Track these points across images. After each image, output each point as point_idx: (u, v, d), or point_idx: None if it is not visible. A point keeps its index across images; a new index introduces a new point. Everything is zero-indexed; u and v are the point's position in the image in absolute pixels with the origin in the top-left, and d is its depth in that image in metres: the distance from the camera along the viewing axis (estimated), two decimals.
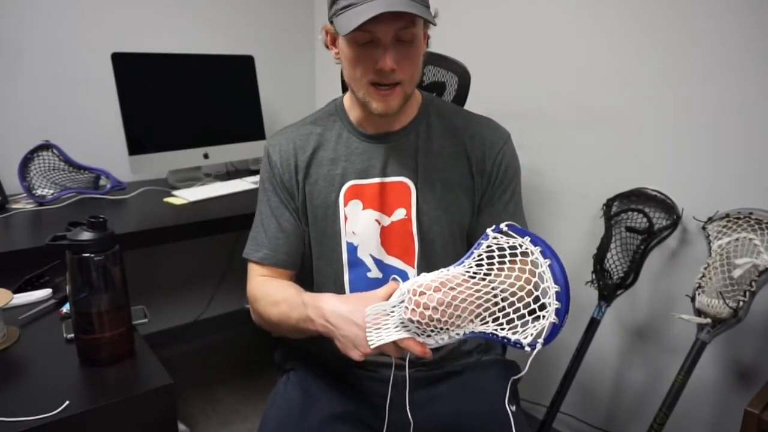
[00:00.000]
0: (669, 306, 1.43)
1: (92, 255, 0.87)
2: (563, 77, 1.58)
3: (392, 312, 0.80)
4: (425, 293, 0.74)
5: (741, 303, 1.14)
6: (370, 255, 1.02)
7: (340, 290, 1.04)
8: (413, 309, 0.75)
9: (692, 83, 1.33)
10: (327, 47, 0.99)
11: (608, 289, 1.44)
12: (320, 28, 0.99)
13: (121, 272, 0.92)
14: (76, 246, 0.87)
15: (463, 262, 0.79)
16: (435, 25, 0.92)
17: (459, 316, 0.74)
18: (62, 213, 1.61)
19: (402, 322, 0.78)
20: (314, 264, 1.07)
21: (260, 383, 2.12)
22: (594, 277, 1.47)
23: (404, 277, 1.02)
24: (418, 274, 1.01)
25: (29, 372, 0.90)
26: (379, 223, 1.02)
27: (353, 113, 1.04)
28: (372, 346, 0.80)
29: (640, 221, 1.42)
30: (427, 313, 0.74)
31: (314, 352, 1.09)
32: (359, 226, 1.02)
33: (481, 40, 1.77)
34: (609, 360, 1.61)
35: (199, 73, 2.01)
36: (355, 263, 1.03)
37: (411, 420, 0.89)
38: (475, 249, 0.78)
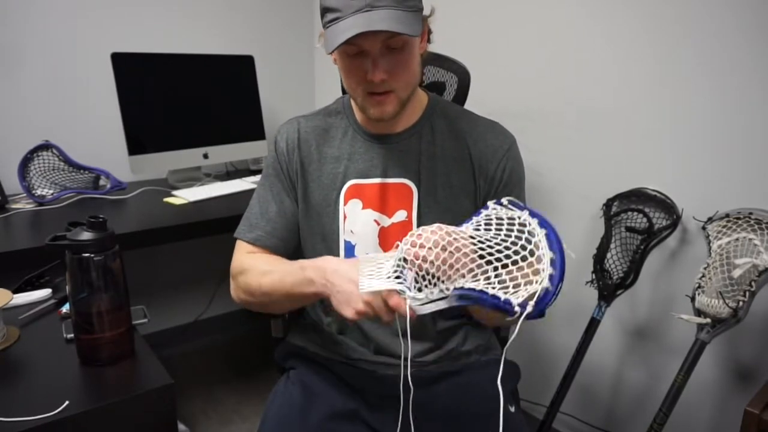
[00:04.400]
0: (669, 306, 1.43)
1: (92, 255, 0.87)
2: (563, 77, 1.58)
3: (386, 262, 0.79)
4: (422, 235, 0.73)
5: (741, 303, 1.14)
6: (367, 255, 1.02)
7: None
8: (408, 248, 0.73)
9: (692, 83, 1.33)
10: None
11: (608, 289, 1.44)
12: (318, 33, 0.99)
13: (121, 272, 0.92)
14: (76, 246, 0.87)
15: (461, 225, 0.78)
16: (417, 36, 0.88)
17: (452, 266, 0.71)
18: (62, 213, 1.61)
19: (395, 271, 0.76)
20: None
21: (260, 383, 2.12)
22: (594, 277, 1.47)
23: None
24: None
25: (29, 372, 0.90)
26: (378, 224, 1.02)
27: (358, 113, 1.05)
28: (362, 291, 0.77)
29: (640, 221, 1.42)
30: (422, 252, 0.72)
31: (314, 351, 1.09)
32: (358, 225, 1.02)
33: (481, 40, 1.77)
34: (609, 360, 1.61)
35: (199, 73, 2.01)
36: None
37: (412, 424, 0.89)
38: (474, 216, 0.77)
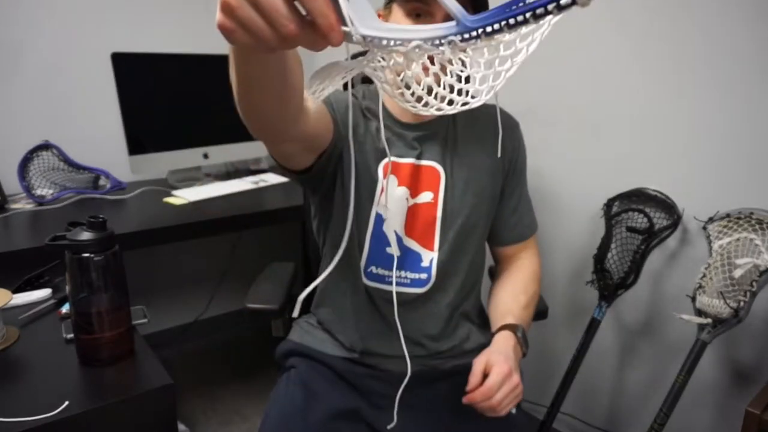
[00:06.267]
0: (669, 306, 1.43)
1: (92, 255, 0.87)
2: (563, 77, 1.58)
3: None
4: None
5: (742, 303, 1.14)
6: (394, 231, 1.04)
7: (358, 259, 1.04)
8: None
9: (693, 83, 1.32)
10: None
11: (609, 289, 1.44)
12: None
13: (121, 272, 0.92)
14: (76, 246, 0.87)
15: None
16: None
17: None
18: (62, 213, 1.61)
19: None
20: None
21: (260, 383, 2.12)
22: (594, 277, 1.47)
23: (418, 258, 1.03)
24: (438, 259, 1.03)
25: (29, 372, 0.90)
26: (408, 202, 1.04)
27: (389, 102, 1.06)
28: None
29: (641, 221, 1.42)
30: None
31: (315, 349, 1.09)
32: (392, 201, 1.03)
33: None
34: (609, 360, 1.61)
35: (199, 73, 2.00)
36: (378, 235, 1.03)
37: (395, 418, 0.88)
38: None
